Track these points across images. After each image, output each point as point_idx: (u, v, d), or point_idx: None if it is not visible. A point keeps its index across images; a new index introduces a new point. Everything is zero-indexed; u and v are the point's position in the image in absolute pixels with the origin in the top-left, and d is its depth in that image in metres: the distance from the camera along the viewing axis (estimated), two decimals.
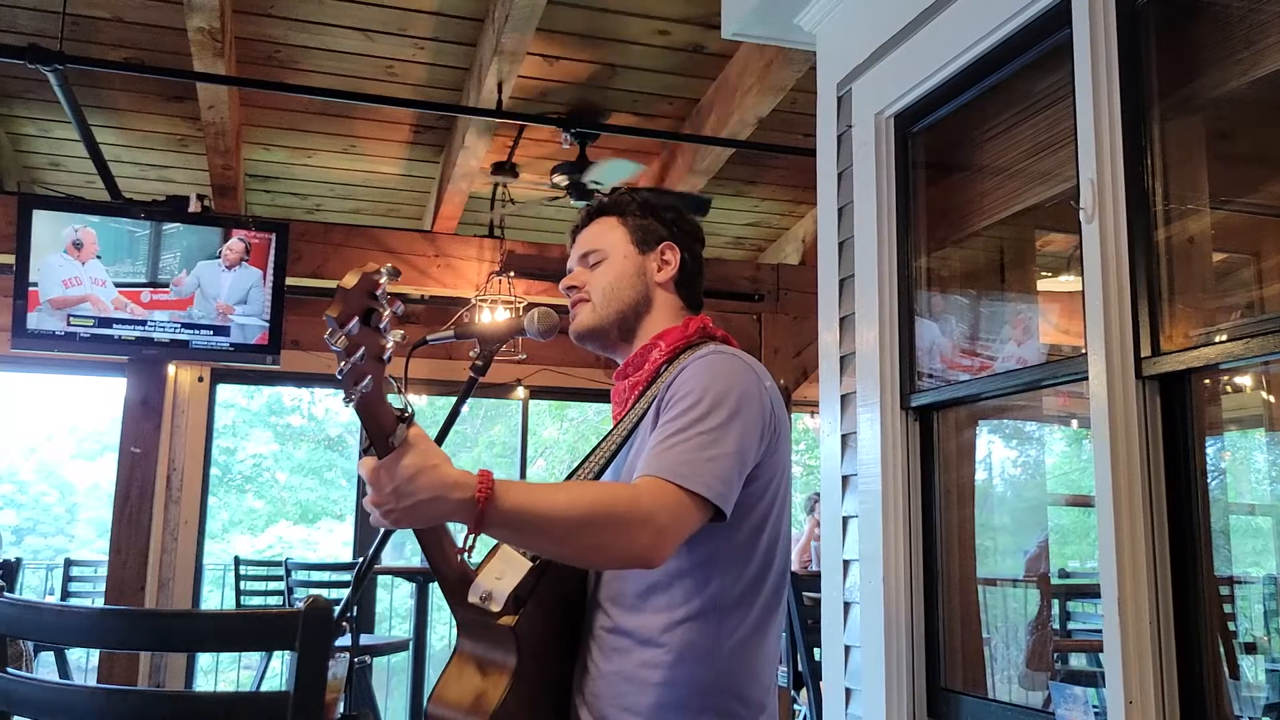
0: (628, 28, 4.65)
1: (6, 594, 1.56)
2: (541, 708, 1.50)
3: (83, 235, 5.29)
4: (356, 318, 1.11)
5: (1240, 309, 2.39)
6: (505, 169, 5.77)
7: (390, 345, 1.17)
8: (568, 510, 1.29)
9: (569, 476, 1.59)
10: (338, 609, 1.58)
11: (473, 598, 1.43)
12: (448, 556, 1.47)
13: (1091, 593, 2.36)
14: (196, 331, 5.49)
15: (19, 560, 5.39)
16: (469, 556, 1.42)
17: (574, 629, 1.55)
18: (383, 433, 1.21)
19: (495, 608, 1.41)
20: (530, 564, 1.43)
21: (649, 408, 1.53)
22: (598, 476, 1.57)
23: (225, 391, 7.93)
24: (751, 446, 1.44)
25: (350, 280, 1.11)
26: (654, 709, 1.45)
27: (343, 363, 1.13)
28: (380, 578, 7.01)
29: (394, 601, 8.83)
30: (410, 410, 1.23)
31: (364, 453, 1.25)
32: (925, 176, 2.66)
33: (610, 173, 5.11)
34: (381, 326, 1.15)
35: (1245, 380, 2.53)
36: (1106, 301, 1.92)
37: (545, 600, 1.48)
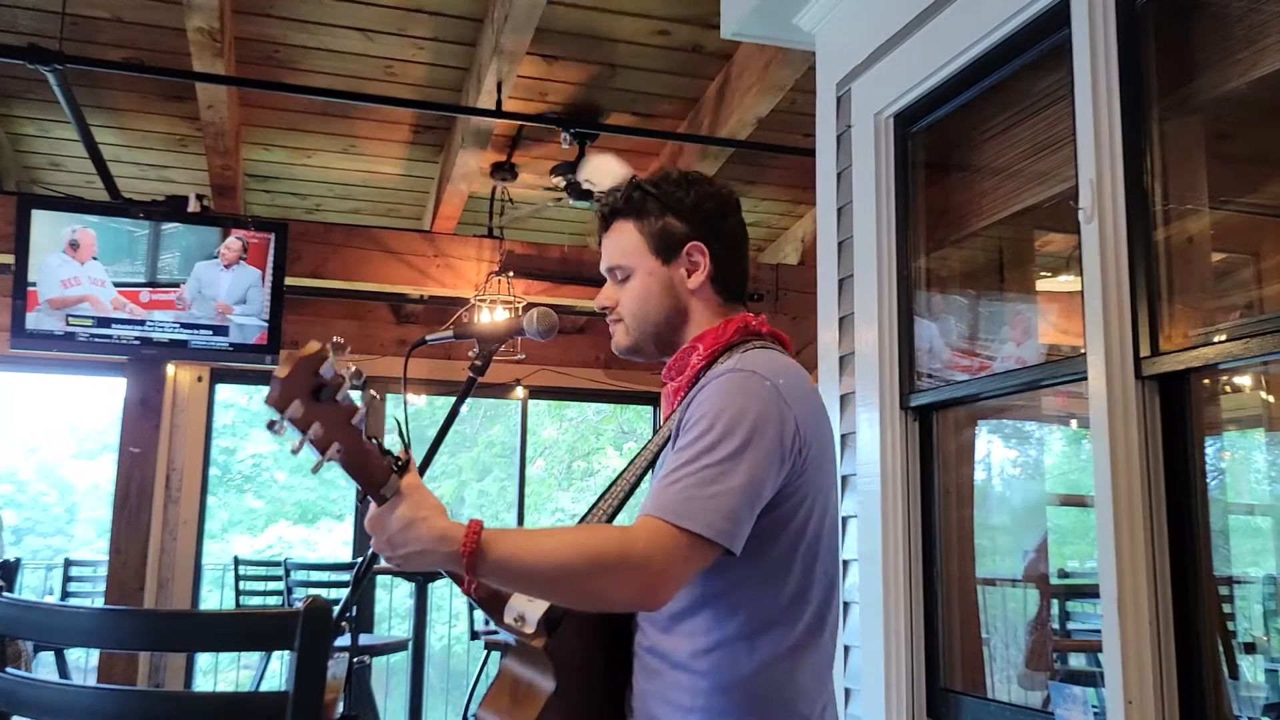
0: (628, 28, 4.64)
1: (6, 594, 1.56)
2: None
3: (80, 236, 5.29)
4: (297, 399, 1.15)
5: (1239, 309, 2.39)
6: (505, 169, 5.76)
7: (360, 408, 1.21)
8: (554, 560, 1.29)
9: (602, 494, 1.57)
10: (337, 609, 1.58)
11: (507, 618, 1.45)
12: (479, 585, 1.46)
13: (1091, 593, 2.36)
14: (195, 331, 5.49)
15: (19, 560, 5.39)
16: (475, 595, 1.42)
17: (623, 646, 1.52)
18: (374, 485, 1.26)
19: (528, 630, 1.42)
20: None
21: (674, 428, 1.48)
22: (628, 495, 1.54)
23: (225, 391, 7.92)
24: (767, 474, 1.36)
25: (282, 370, 1.14)
26: None
27: (296, 442, 1.18)
28: (380, 578, 7.01)
29: (393, 601, 8.83)
30: (403, 460, 1.27)
31: (360, 499, 1.29)
32: (925, 176, 2.66)
33: (598, 171, 5.11)
34: (339, 398, 1.19)
35: (1245, 380, 2.53)
36: (1106, 301, 1.92)
37: (586, 618, 1.46)
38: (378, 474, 1.26)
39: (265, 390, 1.16)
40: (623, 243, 1.59)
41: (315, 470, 1.22)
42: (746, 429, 1.36)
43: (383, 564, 1.42)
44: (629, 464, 1.58)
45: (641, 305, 1.57)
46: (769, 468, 1.37)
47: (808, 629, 1.45)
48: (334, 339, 1.20)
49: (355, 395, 1.22)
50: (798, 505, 1.43)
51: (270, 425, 1.17)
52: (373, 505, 1.29)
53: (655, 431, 1.62)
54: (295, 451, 1.20)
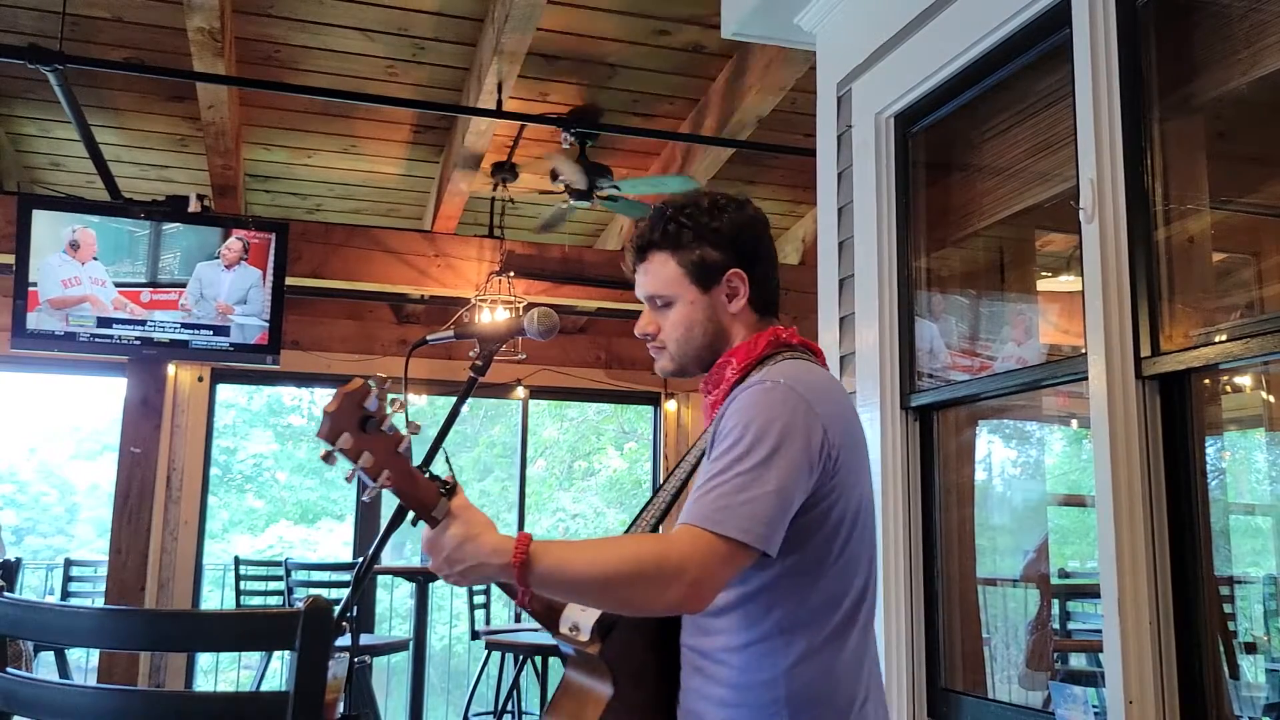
0: (628, 28, 4.65)
1: (6, 594, 1.56)
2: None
3: (80, 236, 5.29)
4: (346, 431, 1.28)
5: (1240, 309, 2.39)
6: (505, 169, 5.77)
7: (406, 438, 1.33)
8: (600, 570, 1.37)
9: (646, 504, 1.63)
10: (337, 609, 1.58)
11: (563, 629, 1.53)
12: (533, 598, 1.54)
13: (1091, 593, 2.36)
14: (196, 331, 5.49)
15: (19, 560, 5.39)
16: (529, 606, 1.49)
17: (673, 646, 1.58)
18: (425, 509, 1.36)
19: (583, 638, 1.50)
20: None
21: (710, 439, 1.54)
22: (669, 507, 1.61)
23: (225, 391, 7.93)
24: (798, 479, 1.42)
25: (332, 404, 1.26)
26: None
27: (349, 472, 1.29)
28: (380, 578, 7.01)
29: (394, 601, 8.83)
30: (451, 483, 1.38)
31: (413, 523, 1.39)
32: (925, 176, 2.66)
33: (648, 188, 5.12)
34: (385, 428, 1.31)
35: (1245, 380, 2.53)
36: (1106, 301, 1.92)
37: (639, 625, 1.53)
38: (427, 498, 1.36)
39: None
40: (662, 273, 1.62)
41: (369, 498, 1.34)
42: (775, 437, 1.42)
43: (383, 564, 1.45)
44: (668, 476, 1.66)
45: (686, 333, 1.62)
46: (798, 472, 1.42)
47: (843, 624, 1.50)
48: (377, 376, 1.33)
49: (400, 423, 1.34)
50: (830, 507, 1.48)
51: (325, 457, 1.27)
52: (425, 528, 1.38)
53: (686, 448, 1.71)
54: (349, 480, 1.31)
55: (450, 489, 1.37)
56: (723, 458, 1.43)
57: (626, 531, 1.62)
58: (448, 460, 1.45)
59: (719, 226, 1.60)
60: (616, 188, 5.17)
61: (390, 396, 1.32)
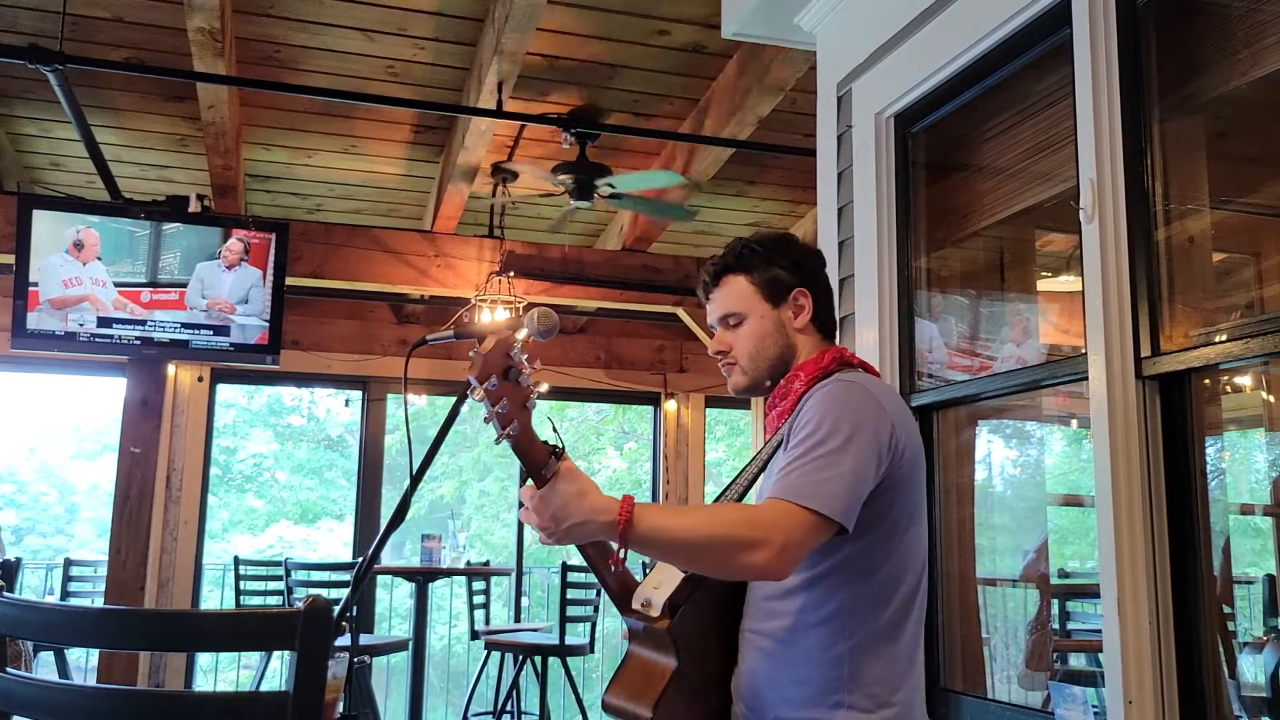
0: (628, 28, 4.65)
1: (6, 594, 1.56)
2: (703, 700, 1.65)
3: (84, 236, 5.29)
4: (495, 375, 1.37)
5: (1240, 309, 2.39)
6: (505, 169, 5.77)
7: (534, 394, 1.43)
8: (694, 533, 1.49)
9: (720, 494, 1.75)
10: (337, 609, 1.58)
11: (636, 604, 1.63)
12: (612, 570, 1.65)
13: (1091, 593, 2.36)
14: (196, 331, 5.49)
15: (19, 560, 5.39)
16: (622, 567, 1.61)
17: (733, 630, 1.70)
18: (536, 466, 1.45)
19: (654, 613, 1.60)
20: (683, 574, 1.61)
21: (783, 439, 1.67)
22: (741, 496, 1.73)
23: (225, 391, 7.93)
24: (870, 464, 1.55)
25: (487, 345, 1.37)
26: (783, 703, 1.60)
27: (488, 412, 1.39)
28: (380, 578, 7.01)
29: (393, 601, 8.84)
30: (561, 446, 1.47)
31: (524, 480, 1.48)
32: (925, 176, 2.66)
33: (637, 183, 5.13)
34: (521, 380, 1.41)
35: (1245, 380, 2.53)
36: (1106, 301, 1.92)
37: (702, 605, 1.63)
38: (540, 456, 1.45)
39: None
40: (735, 293, 1.79)
41: (498, 442, 1.42)
42: (850, 425, 1.56)
43: (383, 564, 1.46)
44: (743, 469, 1.78)
45: (758, 345, 1.77)
46: (871, 458, 1.56)
47: (899, 613, 1.63)
48: (521, 330, 1.45)
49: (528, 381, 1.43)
50: (895, 497, 1.61)
51: (474, 395, 1.37)
52: (527, 490, 1.47)
53: (747, 455, 1.76)
54: (486, 420, 1.41)
55: (560, 451, 1.46)
56: (803, 444, 1.56)
57: None
58: (555, 429, 1.52)
59: (787, 252, 1.79)
60: (611, 185, 5.17)
61: (528, 355, 1.42)
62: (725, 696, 1.67)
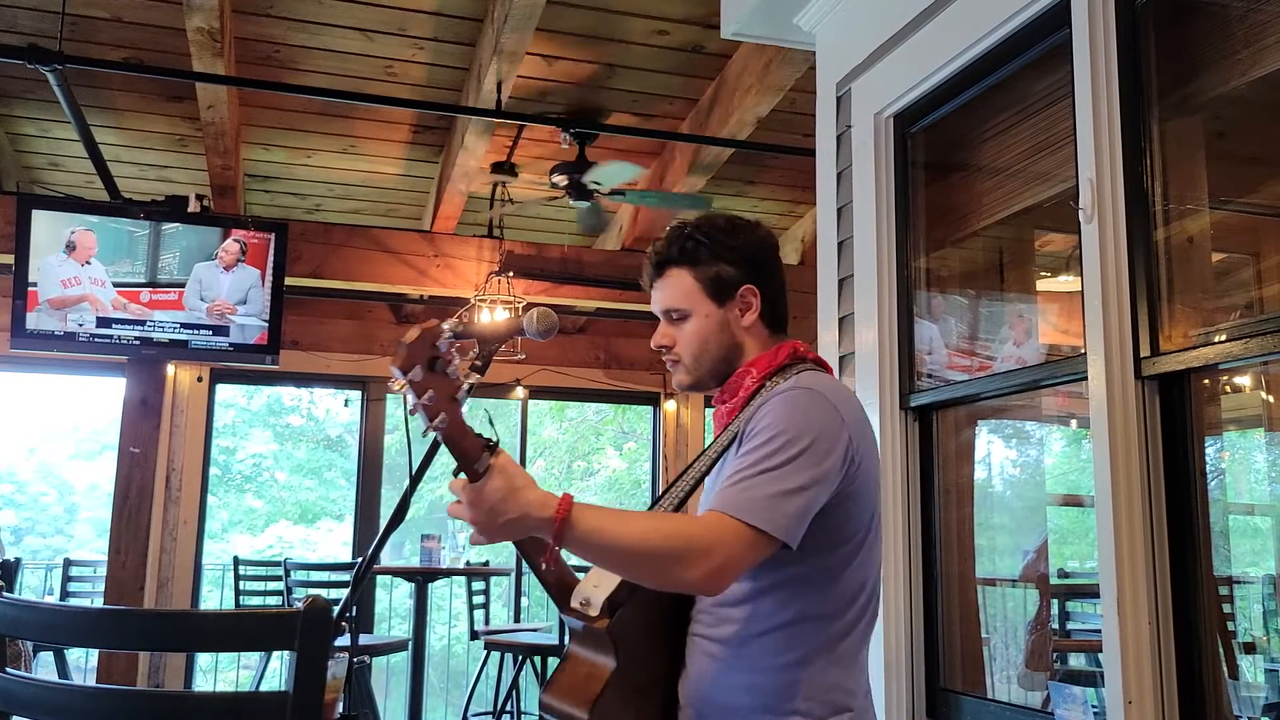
0: (628, 28, 4.64)
1: (6, 594, 1.56)
2: (645, 700, 1.61)
3: (78, 237, 5.28)
4: (419, 365, 1.31)
5: (1239, 309, 2.39)
6: (505, 169, 5.76)
7: (465, 386, 1.38)
8: (631, 540, 1.43)
9: (661, 495, 1.69)
10: (337, 609, 1.58)
11: (574, 602, 1.58)
12: (543, 567, 1.60)
13: (1091, 593, 2.36)
14: (195, 331, 5.49)
15: (18, 560, 5.38)
16: (555, 566, 1.56)
17: (678, 634, 1.66)
18: (469, 460, 1.39)
19: (593, 612, 1.56)
20: None
21: (734, 437, 1.62)
22: (685, 498, 1.67)
23: (225, 391, 7.93)
24: (823, 481, 1.50)
25: (411, 335, 1.31)
26: (733, 710, 1.56)
27: (413, 403, 1.34)
28: (379, 578, 7.01)
29: (393, 601, 8.84)
30: (495, 440, 1.41)
31: (455, 474, 1.41)
32: (924, 176, 2.66)
33: (611, 175, 5.11)
34: (449, 371, 1.35)
35: (1244, 380, 2.53)
36: (1106, 301, 1.92)
37: (645, 605, 1.59)
38: (472, 450, 1.39)
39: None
40: (678, 288, 1.71)
41: (424, 434, 1.37)
42: (806, 439, 1.50)
43: (383, 564, 1.45)
44: (686, 469, 1.71)
45: (701, 346, 1.70)
46: (824, 474, 1.51)
47: (851, 624, 1.59)
48: (454, 316, 1.39)
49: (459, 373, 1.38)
50: (850, 511, 1.57)
51: (397, 387, 1.32)
52: (459, 484, 1.40)
53: (695, 452, 1.72)
54: (411, 413, 1.36)
55: (494, 445, 1.41)
56: (753, 454, 1.51)
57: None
58: (491, 422, 1.48)
59: (734, 245, 1.70)
60: (597, 184, 5.16)
61: (461, 339, 1.38)
62: (670, 698, 1.63)
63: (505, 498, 1.39)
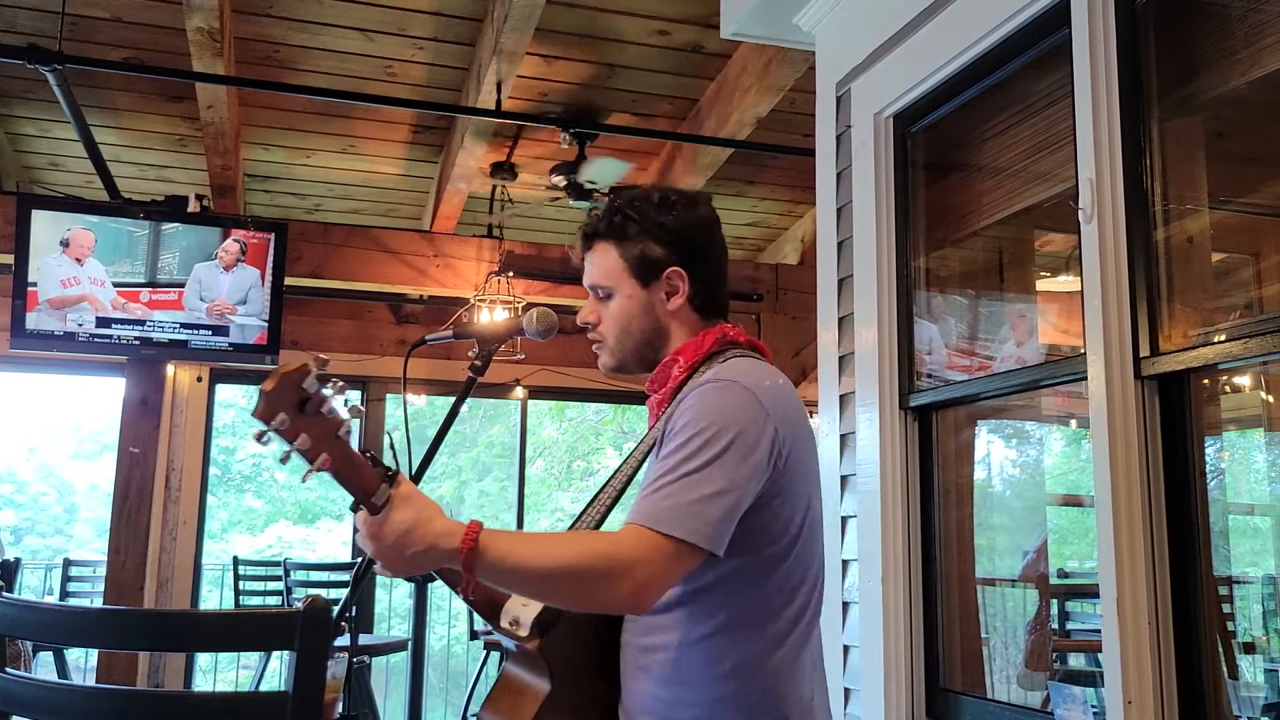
0: (627, 28, 4.64)
1: (6, 594, 1.56)
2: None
3: (73, 235, 5.28)
4: (284, 411, 1.24)
5: (1239, 309, 2.39)
6: (504, 169, 5.76)
7: (345, 420, 1.29)
8: (545, 563, 1.35)
9: (584, 509, 1.61)
10: (336, 609, 1.58)
11: (503, 622, 1.52)
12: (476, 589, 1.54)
13: (1091, 593, 2.36)
14: (195, 331, 5.48)
15: (18, 560, 5.39)
16: (474, 598, 1.49)
17: (615, 648, 1.57)
18: (365, 494, 1.32)
19: (523, 633, 1.49)
20: None
21: (655, 442, 1.53)
22: (613, 504, 1.60)
23: (224, 391, 7.91)
24: (748, 479, 1.41)
25: (269, 384, 1.23)
26: None
27: (283, 451, 1.26)
28: (379, 578, 6.99)
29: (393, 601, 8.83)
30: (392, 470, 1.34)
31: (354, 508, 1.34)
32: (924, 176, 2.66)
33: (602, 172, 5.12)
34: (325, 410, 1.27)
35: (1244, 380, 2.53)
36: (1105, 301, 1.92)
37: (579, 623, 1.51)
38: (368, 483, 1.32)
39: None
40: (604, 264, 1.63)
41: (304, 479, 1.30)
42: (727, 437, 1.40)
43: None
44: (614, 473, 1.62)
45: (623, 327, 1.62)
46: (749, 472, 1.41)
47: (790, 625, 1.49)
48: (317, 356, 1.28)
49: (342, 407, 1.30)
50: (779, 507, 1.47)
51: (258, 437, 1.24)
52: (362, 517, 1.34)
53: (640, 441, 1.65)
54: (283, 461, 1.27)
55: (392, 475, 1.34)
56: (672, 456, 1.41)
57: (571, 527, 1.60)
58: (393, 449, 1.42)
59: (665, 223, 1.60)
60: (593, 183, 5.16)
61: (333, 378, 1.29)
62: (609, 713, 1.54)
63: (409, 530, 1.32)
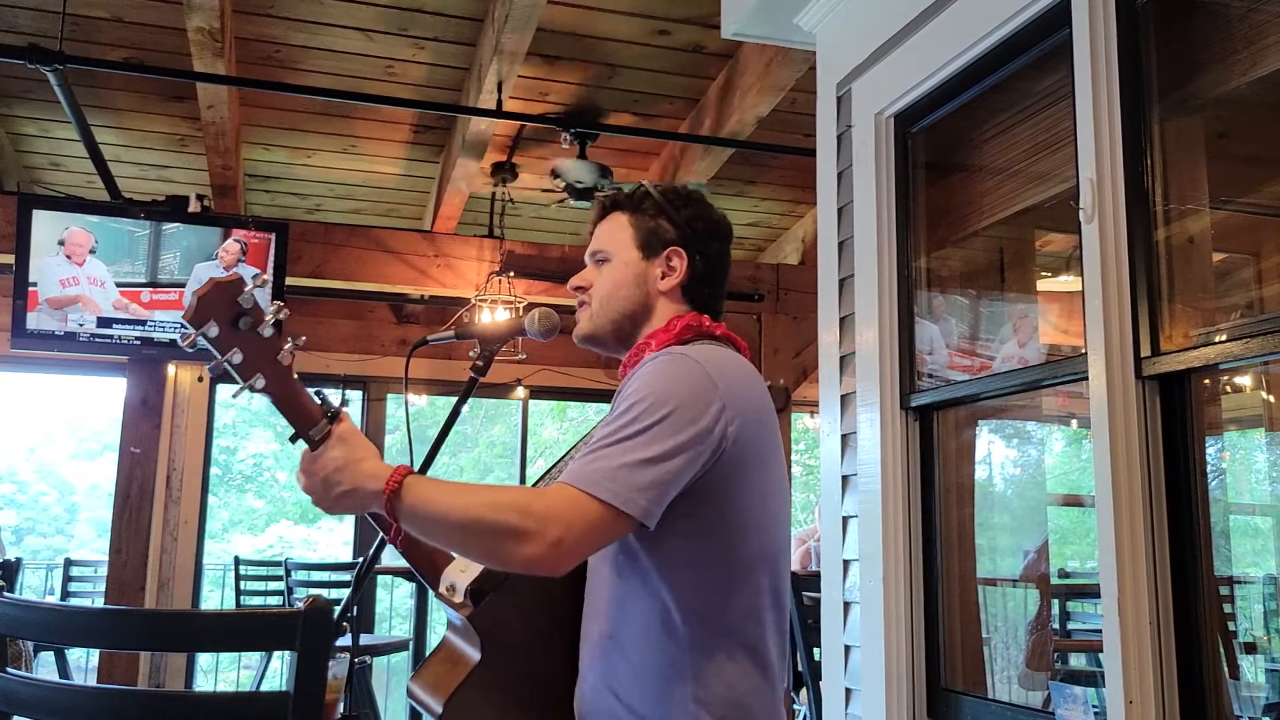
0: (628, 28, 4.65)
1: (6, 594, 1.56)
2: (526, 705, 1.48)
3: (69, 235, 5.27)
4: (214, 320, 1.22)
5: (1240, 309, 2.39)
6: (505, 169, 5.77)
7: (288, 348, 1.29)
8: (459, 513, 1.31)
9: (546, 472, 1.58)
10: (338, 609, 1.58)
11: (441, 588, 1.50)
12: (413, 546, 1.53)
13: (1091, 593, 2.37)
14: None
15: (19, 560, 5.39)
16: (400, 545, 1.49)
17: (565, 628, 1.52)
18: (303, 427, 1.32)
19: (457, 599, 1.46)
20: None
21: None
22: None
23: (225, 391, 7.92)
24: (686, 450, 1.36)
25: (203, 289, 1.21)
26: (630, 713, 1.42)
27: (213, 364, 1.24)
28: (380, 578, 7.00)
29: (394, 601, 8.83)
30: (337, 408, 1.34)
31: (292, 439, 1.33)
32: (925, 176, 2.66)
33: (577, 172, 5.13)
34: (260, 330, 1.26)
35: (1245, 380, 2.53)
36: (1106, 301, 1.92)
37: (523, 595, 1.46)
38: (308, 416, 1.32)
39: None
40: (613, 230, 1.65)
41: (235, 396, 1.29)
42: (668, 406, 1.37)
43: (384, 564, 1.44)
44: (576, 443, 1.61)
45: (611, 291, 1.61)
46: (687, 442, 1.36)
47: (739, 620, 1.44)
48: (276, 304, 1.29)
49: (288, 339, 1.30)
50: (727, 490, 1.42)
51: (188, 342, 1.22)
52: (304, 450, 1.33)
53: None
54: (212, 370, 1.25)
55: (335, 414, 1.33)
56: (613, 423, 1.38)
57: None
58: (343, 392, 1.43)
59: (681, 207, 1.63)
60: (619, 188, 5.17)
61: (277, 304, 1.29)
62: (566, 708, 1.48)
63: (341, 468, 1.32)
